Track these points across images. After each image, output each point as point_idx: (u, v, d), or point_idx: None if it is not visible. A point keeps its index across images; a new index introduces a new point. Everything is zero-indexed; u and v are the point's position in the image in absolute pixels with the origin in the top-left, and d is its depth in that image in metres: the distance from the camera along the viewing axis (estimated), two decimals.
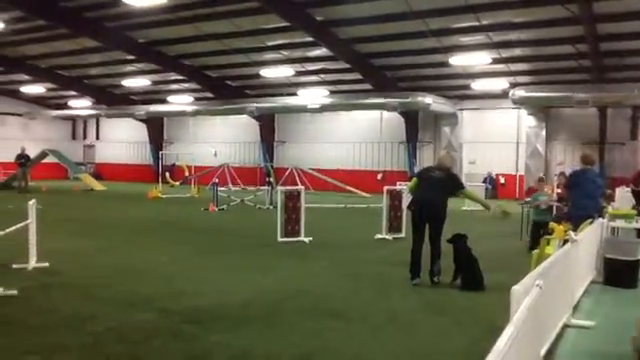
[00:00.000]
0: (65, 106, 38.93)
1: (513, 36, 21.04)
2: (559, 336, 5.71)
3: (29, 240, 8.86)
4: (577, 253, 6.61)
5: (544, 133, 26.73)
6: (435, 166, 8.95)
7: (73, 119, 42.26)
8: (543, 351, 4.81)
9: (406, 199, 9.05)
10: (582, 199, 9.22)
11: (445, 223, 8.41)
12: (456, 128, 28.83)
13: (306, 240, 12.09)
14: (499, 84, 25.65)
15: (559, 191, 13.06)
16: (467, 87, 26.76)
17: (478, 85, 26.18)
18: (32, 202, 9.11)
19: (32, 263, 8.82)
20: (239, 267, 9.59)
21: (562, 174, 14.29)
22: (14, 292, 7.15)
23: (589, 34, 19.03)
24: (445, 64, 23.61)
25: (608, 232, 9.56)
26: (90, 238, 12.51)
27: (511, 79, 25.26)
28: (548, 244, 7.78)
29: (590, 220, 8.51)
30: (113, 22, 23.46)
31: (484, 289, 7.92)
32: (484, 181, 26.35)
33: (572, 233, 6.67)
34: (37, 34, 25.38)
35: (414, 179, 8.86)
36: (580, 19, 18.04)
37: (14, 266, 8.66)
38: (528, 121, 27.07)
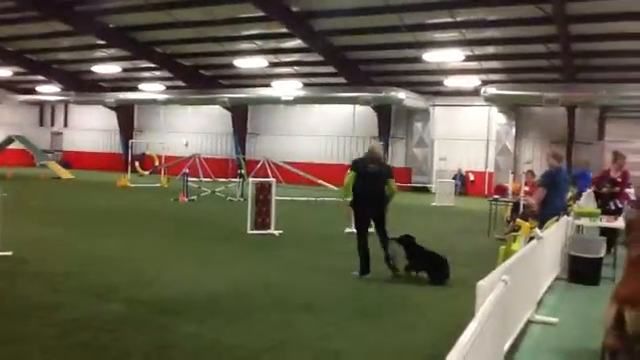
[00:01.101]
0: (33, 91, 38.08)
1: (486, 34, 21.29)
2: (523, 331, 5.80)
3: None
4: (542, 250, 6.72)
5: (514, 131, 27.17)
6: (368, 159, 8.82)
7: (41, 105, 41.42)
8: (507, 346, 4.88)
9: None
10: (556, 198, 9.37)
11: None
12: (428, 124, 29.08)
13: (276, 233, 12.07)
14: (471, 81, 25.93)
15: (526, 189, 13.26)
16: (440, 83, 26.98)
17: (451, 82, 26.43)
18: None
19: None
20: (208, 258, 9.53)
21: (530, 172, 14.52)
22: None
23: (561, 34, 19.35)
24: (419, 60, 23.76)
25: (573, 230, 9.76)
26: (56, 226, 12.30)
27: (483, 76, 25.56)
28: (515, 241, 7.90)
29: (556, 218, 8.66)
30: (84, 6, 23.03)
31: (448, 281, 8.12)
32: (454, 178, 26.64)
33: (538, 230, 6.77)
34: (5, 15, 24.75)
35: (351, 174, 8.61)
36: (553, 19, 18.31)
37: None
38: (498, 119, 27.47)
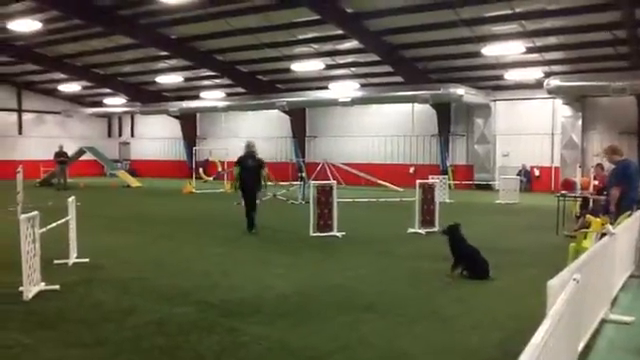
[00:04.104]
0: (101, 104, 39.70)
1: (547, 24, 20.64)
2: (597, 331, 5.64)
3: (69, 236, 9.11)
4: (615, 247, 6.49)
5: (580, 123, 26.17)
6: (248, 155, 12.57)
7: (108, 116, 43.07)
8: (581, 346, 4.76)
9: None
10: (630, 192, 9.06)
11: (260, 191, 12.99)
12: (489, 120, 28.44)
13: (339, 235, 12.13)
14: (533, 74, 25.20)
15: (596, 183, 12.82)
16: (500, 77, 26.38)
17: (512, 75, 25.78)
18: (71, 199, 9.35)
19: (73, 259, 9.07)
20: (273, 261, 9.69)
21: (599, 165, 14.02)
22: (56, 287, 7.37)
23: (627, 20, 18.53)
24: (477, 54, 23.31)
25: None
26: (128, 233, 12.80)
27: (546, 68, 24.80)
28: (585, 238, 7.66)
29: (629, 213, 8.34)
30: (146, 19, 23.82)
31: (489, 277, 8.10)
32: (518, 174, 25.97)
33: (610, 226, 6.55)
34: (73, 33, 25.91)
35: (237, 167, 12.66)
36: (617, 4, 17.59)
37: (55, 262, 8.90)
38: (563, 111, 26.55)
